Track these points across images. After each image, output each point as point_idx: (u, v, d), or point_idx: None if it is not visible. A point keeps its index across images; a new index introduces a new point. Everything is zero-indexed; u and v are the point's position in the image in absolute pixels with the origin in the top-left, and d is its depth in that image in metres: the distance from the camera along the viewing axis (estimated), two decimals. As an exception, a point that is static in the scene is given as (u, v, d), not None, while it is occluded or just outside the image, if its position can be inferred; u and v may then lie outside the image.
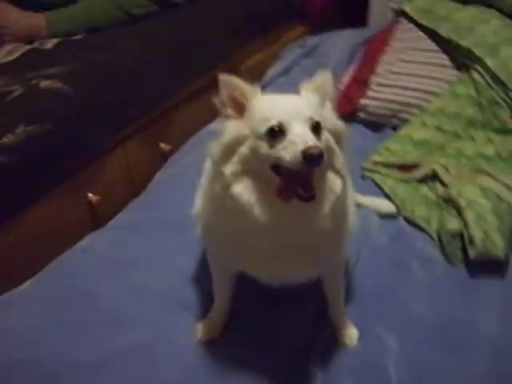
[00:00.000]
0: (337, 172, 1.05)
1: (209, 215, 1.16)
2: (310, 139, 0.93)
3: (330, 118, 1.05)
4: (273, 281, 1.25)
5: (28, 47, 1.94)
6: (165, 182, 1.89)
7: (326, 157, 0.93)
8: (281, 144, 0.95)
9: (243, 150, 1.00)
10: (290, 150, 0.93)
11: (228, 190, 1.01)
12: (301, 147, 0.91)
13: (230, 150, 1.02)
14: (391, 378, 1.26)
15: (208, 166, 1.21)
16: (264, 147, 0.98)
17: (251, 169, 1.00)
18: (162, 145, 2.12)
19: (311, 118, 0.97)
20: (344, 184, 1.07)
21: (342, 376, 1.27)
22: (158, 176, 1.97)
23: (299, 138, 0.93)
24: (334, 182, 1.04)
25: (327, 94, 1.07)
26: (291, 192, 0.97)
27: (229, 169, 1.01)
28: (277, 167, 0.97)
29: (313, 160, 0.91)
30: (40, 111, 1.69)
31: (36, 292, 1.49)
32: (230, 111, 1.03)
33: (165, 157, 2.08)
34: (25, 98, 1.68)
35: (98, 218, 1.86)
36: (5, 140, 1.58)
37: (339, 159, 1.06)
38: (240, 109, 1.02)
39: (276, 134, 0.96)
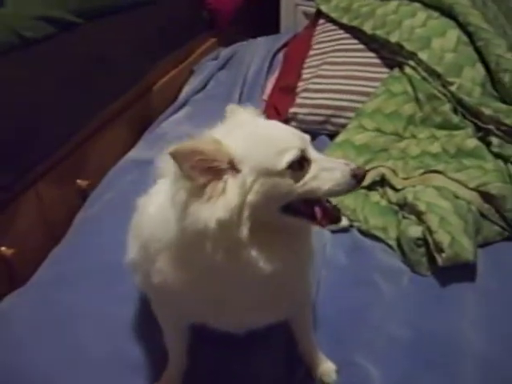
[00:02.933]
0: None
1: (175, 280, 0.95)
2: (341, 161, 0.90)
3: None
4: (239, 329, 1.10)
5: None
6: (87, 224, 1.68)
7: None
8: (307, 175, 0.87)
9: (250, 198, 0.85)
10: (328, 178, 0.87)
11: (242, 255, 0.86)
12: (347, 168, 0.88)
13: (236, 210, 0.84)
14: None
15: (143, 203, 1.07)
16: (287, 183, 0.86)
17: (261, 219, 0.86)
18: (79, 181, 1.91)
19: (308, 137, 0.92)
20: None
21: None
22: (78, 217, 1.75)
23: (331, 163, 0.89)
24: None
25: None
26: (329, 218, 0.92)
27: (244, 229, 0.85)
28: (290, 206, 0.89)
29: (361, 180, 0.89)
30: None
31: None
32: (202, 180, 0.83)
33: (83, 194, 1.87)
34: None
35: (15, 275, 1.65)
36: None
37: None
38: (215, 171, 0.84)
39: (302, 165, 0.87)
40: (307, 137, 0.92)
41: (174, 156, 0.82)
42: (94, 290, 1.41)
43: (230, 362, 1.24)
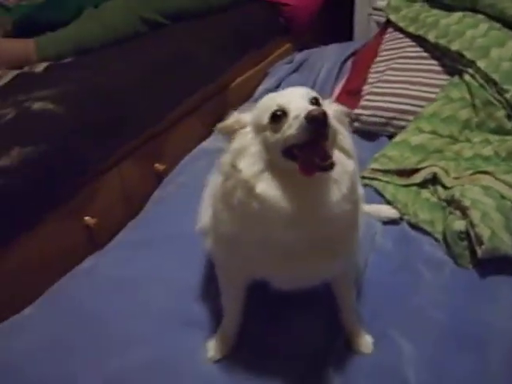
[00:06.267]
0: (346, 152, 1.04)
1: (229, 228, 1.10)
2: (310, 106, 0.94)
3: (328, 104, 1.07)
4: (288, 283, 1.22)
5: (17, 72, 1.92)
6: (162, 200, 1.85)
7: (330, 124, 0.94)
8: (285, 125, 0.95)
9: (253, 149, 1.01)
10: (293, 125, 0.93)
11: (252, 192, 0.99)
12: (303, 113, 0.91)
13: (241, 155, 1.02)
14: (409, 381, 1.22)
15: (214, 179, 1.21)
16: (270, 136, 0.99)
17: (267, 165, 1.00)
18: (157, 165, 2.09)
19: (308, 93, 1.00)
20: (355, 164, 1.06)
21: (360, 381, 1.24)
22: (154, 196, 1.93)
23: (299, 110, 0.93)
24: (345, 162, 1.03)
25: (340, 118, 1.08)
26: (311, 165, 0.95)
27: (247, 172, 1.00)
28: (288, 152, 0.97)
29: (317, 122, 0.91)
30: (34, 133, 1.66)
31: (41, 315, 1.46)
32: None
33: (160, 177, 2.04)
34: (18, 121, 1.67)
35: (96, 241, 1.82)
36: (0, 163, 1.55)
37: (346, 139, 1.06)
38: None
39: (278, 118, 0.97)
40: (300, 92, 1.01)
41: (218, 130, 1.08)
42: (164, 256, 1.56)
43: (277, 327, 1.36)
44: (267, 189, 0.99)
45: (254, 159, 1.01)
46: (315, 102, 0.99)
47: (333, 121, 1.00)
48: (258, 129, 1.01)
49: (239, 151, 1.03)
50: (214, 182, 1.20)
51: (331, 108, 1.06)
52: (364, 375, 1.25)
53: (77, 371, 1.28)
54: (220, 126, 1.07)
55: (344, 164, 1.02)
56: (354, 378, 1.25)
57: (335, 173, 0.99)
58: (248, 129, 1.04)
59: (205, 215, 1.24)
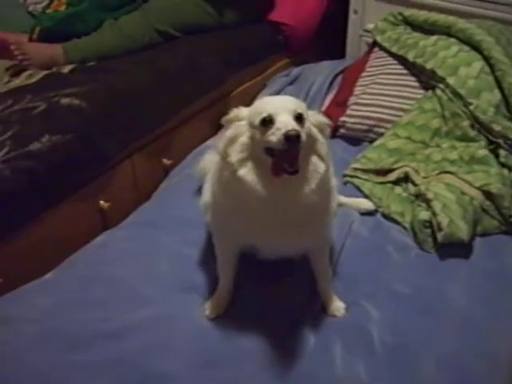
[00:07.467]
0: (320, 156, 1.26)
1: (220, 199, 1.36)
2: (291, 125, 1.15)
3: (313, 115, 1.29)
4: (271, 253, 1.46)
5: (46, 72, 2.16)
6: (169, 189, 2.08)
7: (304, 139, 1.16)
8: (270, 131, 1.17)
9: (243, 139, 1.24)
10: (275, 134, 1.15)
11: (235, 174, 1.23)
12: (283, 130, 1.14)
13: (232, 142, 1.25)
14: (374, 339, 1.44)
15: (215, 162, 1.43)
16: (258, 135, 1.20)
17: (251, 155, 1.23)
18: (165, 160, 2.31)
19: (294, 110, 1.19)
20: (327, 167, 1.28)
21: (332, 338, 1.46)
22: (162, 186, 2.15)
23: (282, 124, 1.15)
24: (317, 164, 1.25)
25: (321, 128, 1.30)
26: (280, 168, 1.19)
27: (234, 157, 1.24)
28: (270, 150, 1.19)
29: (291, 139, 1.13)
30: (61, 124, 1.89)
31: (59, 278, 1.67)
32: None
33: (166, 171, 2.27)
34: (48, 113, 1.90)
35: (108, 224, 2.04)
36: (32, 147, 1.79)
37: (322, 146, 1.28)
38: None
39: (266, 123, 1.18)
40: (289, 107, 1.20)
41: (223, 122, 1.30)
42: (169, 234, 1.77)
43: (265, 294, 1.57)
44: (247, 174, 1.22)
45: (241, 148, 1.23)
46: (299, 117, 1.19)
47: (313, 130, 1.27)
48: (251, 125, 1.22)
49: (232, 139, 1.25)
50: (214, 164, 1.43)
51: (315, 118, 1.28)
52: (336, 334, 1.47)
53: (89, 323, 1.49)
54: (224, 119, 1.31)
55: (317, 166, 1.25)
56: (328, 335, 1.47)
57: (308, 172, 1.23)
58: (243, 122, 1.25)
59: (207, 192, 1.49)
